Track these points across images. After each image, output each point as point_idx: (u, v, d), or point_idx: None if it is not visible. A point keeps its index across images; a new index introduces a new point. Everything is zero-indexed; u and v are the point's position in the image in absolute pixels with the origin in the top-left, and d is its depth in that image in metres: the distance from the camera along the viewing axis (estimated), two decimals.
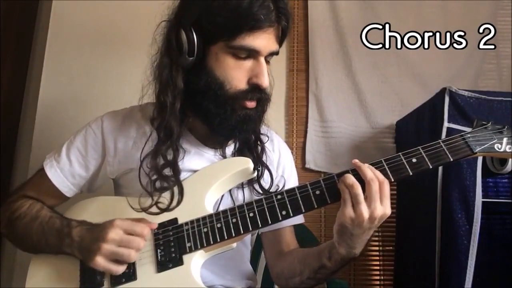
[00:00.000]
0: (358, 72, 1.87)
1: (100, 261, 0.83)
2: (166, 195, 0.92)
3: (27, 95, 1.74)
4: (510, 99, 1.37)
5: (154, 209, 0.90)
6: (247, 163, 0.95)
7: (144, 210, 0.90)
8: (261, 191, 1.00)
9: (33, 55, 1.77)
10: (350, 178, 0.80)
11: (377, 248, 1.81)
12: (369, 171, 0.80)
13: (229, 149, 1.03)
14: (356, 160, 0.83)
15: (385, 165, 0.84)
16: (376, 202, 0.78)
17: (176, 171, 0.93)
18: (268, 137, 1.07)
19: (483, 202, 1.31)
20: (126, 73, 1.69)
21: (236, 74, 0.89)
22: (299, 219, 1.07)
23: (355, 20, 1.90)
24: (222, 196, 0.98)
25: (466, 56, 1.87)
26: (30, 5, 1.77)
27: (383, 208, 0.79)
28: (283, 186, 1.05)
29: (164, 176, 0.92)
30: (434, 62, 1.88)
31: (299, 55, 1.92)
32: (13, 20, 1.67)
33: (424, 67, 1.88)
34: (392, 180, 0.83)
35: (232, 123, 0.91)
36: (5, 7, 1.62)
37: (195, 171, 0.97)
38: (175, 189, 0.92)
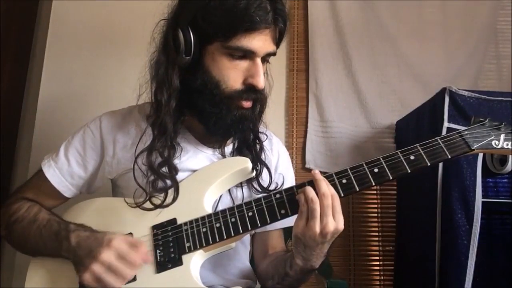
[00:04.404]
0: (358, 72, 1.87)
1: (88, 279, 0.82)
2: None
3: (27, 95, 1.74)
4: (510, 99, 1.37)
5: (148, 205, 0.90)
6: (246, 162, 0.95)
7: (138, 205, 0.90)
8: (260, 189, 1.00)
9: (33, 55, 1.77)
10: (311, 192, 0.81)
11: (377, 248, 1.81)
12: (324, 185, 0.82)
13: (228, 148, 1.03)
14: (317, 172, 0.85)
15: (383, 162, 0.85)
16: (328, 217, 0.79)
17: (171, 168, 0.93)
18: (266, 136, 1.07)
19: (483, 202, 1.31)
20: (126, 73, 1.69)
21: (232, 74, 0.90)
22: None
23: (355, 20, 1.90)
24: (221, 195, 0.98)
25: (466, 56, 1.88)
26: (30, 5, 1.77)
27: (336, 223, 0.80)
28: (282, 184, 1.05)
29: (159, 173, 0.92)
30: (434, 62, 1.89)
31: (299, 55, 1.92)
32: (13, 20, 1.67)
33: (424, 67, 1.88)
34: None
35: (228, 122, 0.92)
36: (5, 7, 1.62)
37: (193, 170, 0.97)
38: (170, 185, 0.92)
